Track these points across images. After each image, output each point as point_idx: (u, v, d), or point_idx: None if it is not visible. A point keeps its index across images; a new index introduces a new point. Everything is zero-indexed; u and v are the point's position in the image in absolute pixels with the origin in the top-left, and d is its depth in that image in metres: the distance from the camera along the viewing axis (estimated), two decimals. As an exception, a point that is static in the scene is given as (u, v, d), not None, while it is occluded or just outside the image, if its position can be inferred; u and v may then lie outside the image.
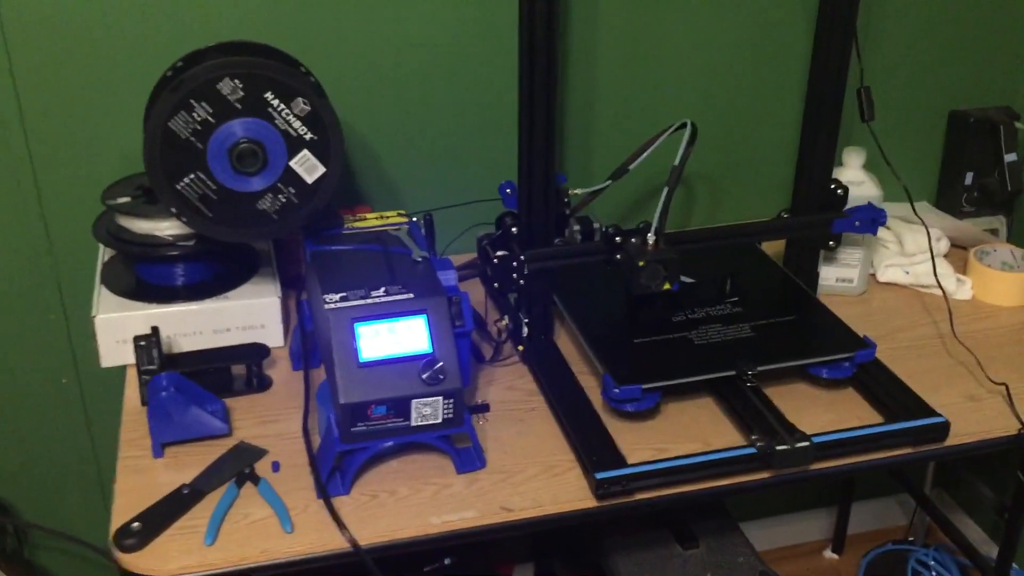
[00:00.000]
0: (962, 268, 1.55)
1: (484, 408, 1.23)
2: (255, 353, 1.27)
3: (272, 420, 1.20)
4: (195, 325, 1.28)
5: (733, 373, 1.21)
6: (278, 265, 1.37)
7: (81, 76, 1.38)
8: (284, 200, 1.18)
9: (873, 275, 1.56)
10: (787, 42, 1.61)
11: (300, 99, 1.14)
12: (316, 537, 1.03)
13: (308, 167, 1.18)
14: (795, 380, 1.28)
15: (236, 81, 1.11)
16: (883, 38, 1.66)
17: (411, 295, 1.09)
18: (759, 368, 1.22)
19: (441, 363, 1.05)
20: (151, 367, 1.18)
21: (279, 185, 1.17)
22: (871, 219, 1.41)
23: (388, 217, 1.30)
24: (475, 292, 1.46)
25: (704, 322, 1.30)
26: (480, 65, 1.51)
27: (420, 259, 1.17)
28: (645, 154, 1.30)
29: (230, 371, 1.26)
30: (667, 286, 1.26)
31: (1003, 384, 1.28)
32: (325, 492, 1.07)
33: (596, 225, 1.36)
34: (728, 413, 1.22)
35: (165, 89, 1.12)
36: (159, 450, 1.14)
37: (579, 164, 1.62)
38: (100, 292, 1.30)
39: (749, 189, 1.72)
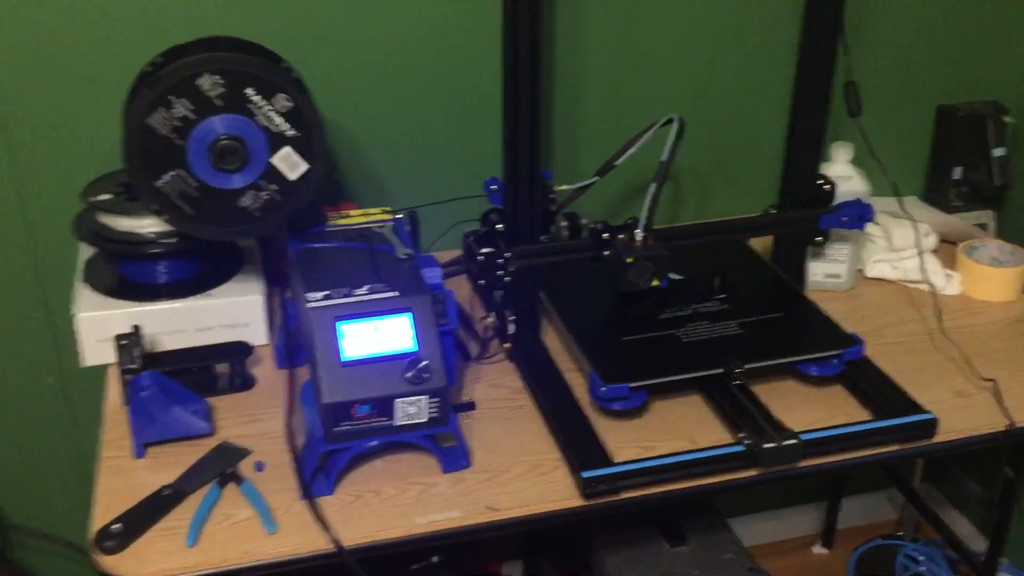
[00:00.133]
0: (950, 263, 1.55)
1: (470, 406, 1.22)
2: (238, 352, 1.25)
3: (256, 419, 1.19)
4: (178, 323, 1.27)
5: (721, 371, 1.21)
6: (263, 262, 1.36)
7: (60, 71, 1.36)
8: (266, 197, 1.17)
9: (861, 271, 1.56)
10: (775, 37, 1.61)
11: (281, 95, 1.13)
12: (300, 538, 1.02)
13: (290, 164, 1.16)
14: (783, 377, 1.27)
15: (216, 77, 1.10)
16: (870, 33, 1.65)
17: (395, 293, 1.08)
18: (747, 366, 1.21)
19: (426, 362, 1.04)
20: (133, 366, 1.17)
21: (261, 182, 1.16)
22: (859, 215, 1.41)
23: (372, 214, 1.29)
24: (461, 289, 1.45)
25: (692, 319, 1.30)
26: (465, 60, 1.50)
27: (404, 256, 1.16)
28: (632, 150, 1.29)
29: (213, 370, 1.25)
30: (656, 282, 1.25)
31: (991, 380, 1.27)
32: (309, 492, 1.06)
33: (583, 221, 1.35)
34: (716, 411, 1.21)
35: (143, 85, 1.10)
36: (141, 450, 1.13)
37: (565, 160, 1.61)
38: (81, 290, 1.29)
39: (736, 185, 1.71)
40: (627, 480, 1.09)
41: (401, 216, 1.28)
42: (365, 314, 1.05)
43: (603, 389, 1.16)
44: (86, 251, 1.37)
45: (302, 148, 1.16)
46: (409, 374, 1.04)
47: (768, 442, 1.11)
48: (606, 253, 1.27)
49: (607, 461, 1.10)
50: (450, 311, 1.11)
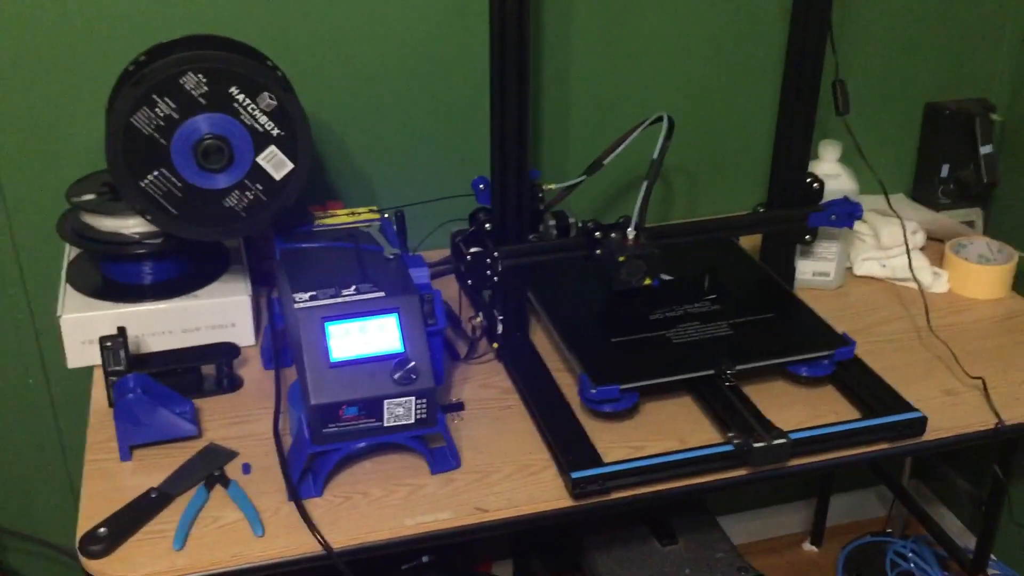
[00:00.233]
0: (939, 261, 1.55)
1: (459, 407, 1.21)
2: (225, 352, 1.24)
3: (243, 421, 1.18)
4: (163, 324, 1.26)
5: (712, 373, 1.20)
6: (249, 262, 1.35)
7: (43, 70, 1.35)
8: (252, 197, 1.16)
9: (850, 269, 1.56)
10: (763, 35, 1.60)
11: (266, 94, 1.12)
12: (288, 540, 1.01)
13: (276, 163, 1.15)
14: (774, 377, 1.27)
15: (200, 76, 1.09)
16: (858, 30, 1.65)
17: (382, 293, 1.07)
18: (738, 367, 1.21)
19: (413, 363, 1.04)
20: (118, 368, 1.16)
21: (246, 182, 1.15)
22: (847, 213, 1.40)
23: (359, 213, 1.28)
24: (449, 289, 1.45)
25: (682, 320, 1.29)
26: (453, 59, 1.49)
27: (392, 256, 1.16)
28: (620, 148, 1.29)
29: (200, 371, 1.24)
30: (648, 281, 1.25)
31: (980, 378, 1.27)
32: (297, 494, 1.05)
33: (572, 220, 1.35)
34: (706, 411, 1.21)
35: (127, 84, 1.09)
36: (127, 453, 1.12)
37: (553, 159, 1.60)
38: (66, 291, 1.28)
39: (725, 183, 1.71)
40: (617, 480, 1.09)
41: (388, 215, 1.28)
42: (352, 315, 1.05)
43: (593, 391, 1.16)
44: (71, 252, 1.36)
45: (287, 147, 1.15)
46: (397, 375, 1.03)
47: (757, 441, 1.10)
48: (598, 252, 1.26)
49: (597, 461, 1.10)
50: (438, 311, 1.11)
